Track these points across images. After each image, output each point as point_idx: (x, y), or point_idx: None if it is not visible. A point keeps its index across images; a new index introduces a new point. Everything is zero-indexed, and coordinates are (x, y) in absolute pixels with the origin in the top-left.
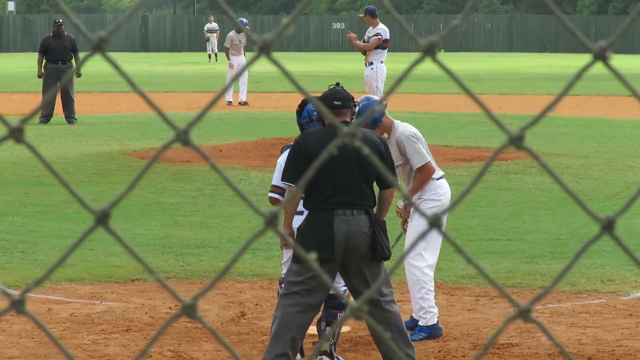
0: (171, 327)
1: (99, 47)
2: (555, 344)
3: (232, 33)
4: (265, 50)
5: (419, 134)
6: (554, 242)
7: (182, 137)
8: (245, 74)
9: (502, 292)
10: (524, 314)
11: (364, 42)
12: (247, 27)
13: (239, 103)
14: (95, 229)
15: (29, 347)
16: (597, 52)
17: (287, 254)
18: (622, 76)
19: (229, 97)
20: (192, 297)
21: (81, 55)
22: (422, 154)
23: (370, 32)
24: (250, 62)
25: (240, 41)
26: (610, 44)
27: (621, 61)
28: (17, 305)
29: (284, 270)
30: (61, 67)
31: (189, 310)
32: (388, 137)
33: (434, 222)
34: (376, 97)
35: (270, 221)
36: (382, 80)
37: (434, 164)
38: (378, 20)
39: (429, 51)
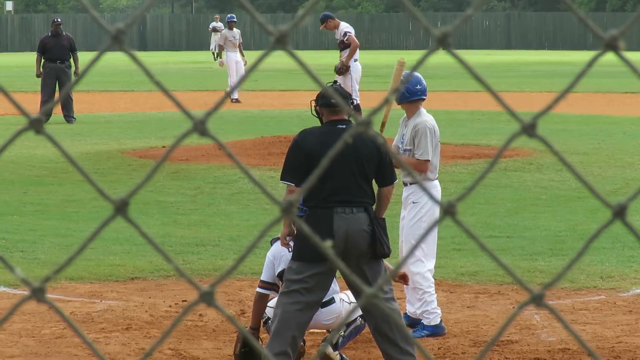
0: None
1: (117, 39)
2: (568, 330)
3: (225, 31)
4: (281, 41)
5: (437, 131)
6: (554, 239)
7: (199, 127)
8: (241, 71)
9: (514, 276)
10: (537, 299)
11: (339, 44)
12: (235, 21)
13: (231, 101)
14: (114, 218)
15: (29, 346)
16: (608, 41)
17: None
18: (632, 64)
19: (235, 95)
20: (209, 285)
21: (79, 55)
22: (428, 151)
23: (337, 33)
24: (266, 53)
25: (234, 37)
26: (622, 33)
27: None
28: (38, 293)
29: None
30: (59, 67)
31: (207, 298)
32: (408, 119)
33: (448, 210)
34: (415, 73)
35: (287, 210)
36: (356, 79)
37: (434, 164)
38: (337, 20)
39: (443, 41)
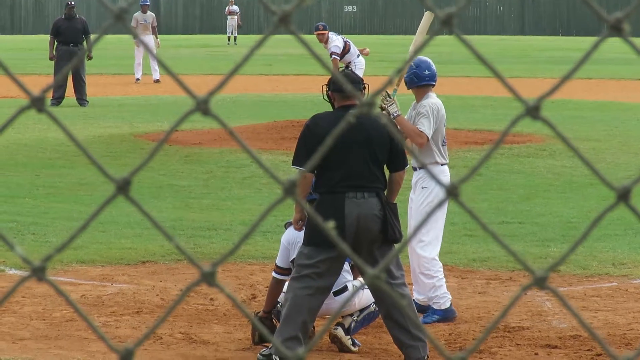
0: (182, 309)
1: (120, 17)
2: (572, 313)
3: (137, 13)
4: (284, 21)
5: (442, 112)
6: (566, 226)
7: (202, 106)
8: (153, 53)
9: (516, 257)
10: (540, 281)
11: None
12: (149, 5)
13: (154, 81)
14: (115, 197)
15: (39, 329)
16: (613, 22)
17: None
18: (636, 47)
19: (138, 74)
20: (211, 264)
21: (93, 37)
22: (426, 128)
23: (327, 48)
24: (269, 33)
25: (145, 21)
26: (627, 15)
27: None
28: (38, 273)
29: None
30: (73, 50)
31: (208, 277)
32: (417, 103)
33: (451, 192)
34: (425, 58)
35: (289, 190)
36: (361, 72)
37: (439, 148)
38: (327, 34)
39: (447, 23)
